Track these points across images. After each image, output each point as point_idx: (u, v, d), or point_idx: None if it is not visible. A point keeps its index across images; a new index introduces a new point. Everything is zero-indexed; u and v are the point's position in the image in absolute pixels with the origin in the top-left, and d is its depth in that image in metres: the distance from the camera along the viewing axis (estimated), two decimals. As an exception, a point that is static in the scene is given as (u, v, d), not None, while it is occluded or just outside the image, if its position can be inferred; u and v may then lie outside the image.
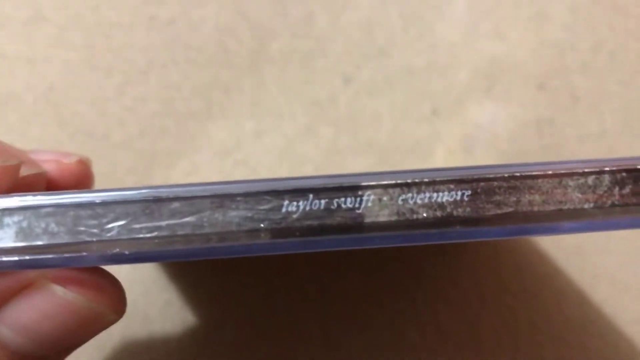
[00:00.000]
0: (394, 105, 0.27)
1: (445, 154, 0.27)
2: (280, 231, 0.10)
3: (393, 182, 0.10)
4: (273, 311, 0.25)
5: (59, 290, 0.11)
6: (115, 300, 0.12)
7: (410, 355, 0.25)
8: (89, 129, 0.26)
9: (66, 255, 0.10)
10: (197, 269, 0.25)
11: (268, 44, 0.27)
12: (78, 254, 0.10)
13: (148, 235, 0.10)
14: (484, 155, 0.27)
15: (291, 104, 0.27)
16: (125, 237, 0.10)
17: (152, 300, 0.25)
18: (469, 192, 0.10)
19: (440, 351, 0.25)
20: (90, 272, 0.12)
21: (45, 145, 0.26)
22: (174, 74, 0.27)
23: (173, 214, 0.10)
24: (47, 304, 0.11)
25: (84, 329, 0.12)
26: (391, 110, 0.27)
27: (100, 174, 0.26)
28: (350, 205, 0.10)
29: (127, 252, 0.10)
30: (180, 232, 0.10)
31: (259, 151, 0.26)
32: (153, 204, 0.10)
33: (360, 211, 0.10)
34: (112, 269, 0.25)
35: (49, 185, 0.15)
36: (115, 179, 0.26)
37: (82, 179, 0.16)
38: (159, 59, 0.27)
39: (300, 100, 0.27)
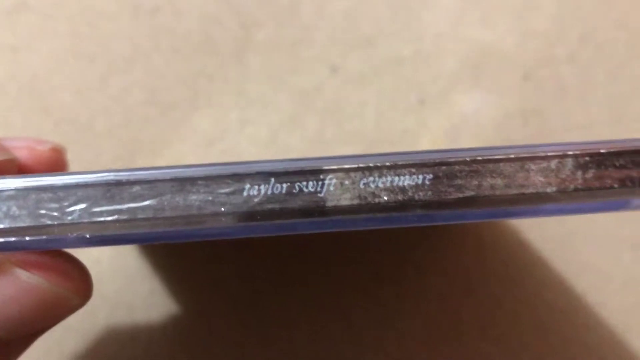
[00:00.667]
0: (380, 94, 0.27)
1: (431, 143, 0.27)
2: (242, 215, 0.10)
3: (355, 166, 0.10)
4: (257, 300, 0.25)
5: (22, 274, 0.11)
6: (80, 284, 0.12)
7: (394, 343, 0.25)
8: (73, 118, 0.26)
9: (28, 238, 0.10)
10: (180, 259, 0.25)
11: (253, 33, 0.27)
12: (39, 237, 0.11)
13: (109, 218, 0.10)
14: (469, 144, 0.27)
15: (276, 93, 0.27)
16: (86, 220, 0.10)
17: (137, 289, 0.25)
18: (431, 175, 0.10)
19: (424, 339, 0.25)
20: (54, 256, 0.12)
21: (29, 134, 0.26)
22: (158, 63, 0.27)
23: (134, 198, 0.10)
24: (11, 288, 0.11)
25: (49, 313, 0.12)
26: (377, 100, 0.27)
27: (85, 163, 0.26)
28: (312, 189, 0.10)
29: (88, 236, 0.10)
30: (141, 216, 0.10)
31: (244, 140, 0.26)
32: (114, 187, 0.10)
33: (322, 195, 0.10)
34: (96, 257, 0.25)
35: (22, 172, 0.15)
36: (100, 168, 0.26)
37: (55, 167, 0.16)
38: (143, 47, 0.27)
39: (286, 90, 0.27)
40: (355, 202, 0.10)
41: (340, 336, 0.25)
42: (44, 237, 0.11)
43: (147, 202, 0.10)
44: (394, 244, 0.26)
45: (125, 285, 0.25)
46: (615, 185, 0.11)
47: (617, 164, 0.11)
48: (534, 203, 0.11)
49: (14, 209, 0.10)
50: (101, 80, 0.26)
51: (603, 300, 0.26)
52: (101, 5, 0.27)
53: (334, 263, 0.26)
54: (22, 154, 0.15)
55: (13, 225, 0.10)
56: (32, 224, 0.10)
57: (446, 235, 0.26)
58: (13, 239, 0.10)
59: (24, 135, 0.18)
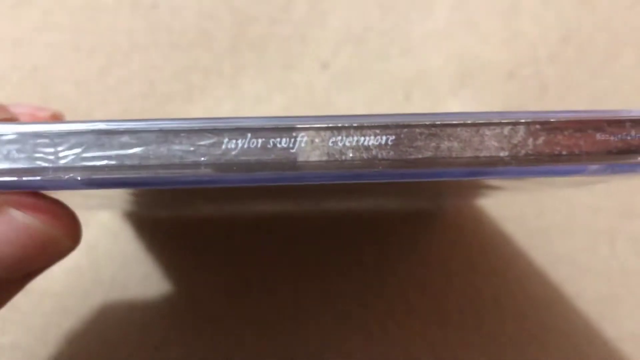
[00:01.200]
0: (368, 90, 0.28)
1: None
2: (220, 166, 0.12)
3: (325, 125, 0.12)
4: (246, 285, 0.26)
5: (18, 214, 0.12)
6: (70, 227, 0.13)
7: (378, 328, 0.26)
8: (72, 109, 0.27)
9: (25, 179, 0.12)
10: (174, 244, 0.26)
11: (248, 29, 0.28)
12: (35, 178, 0.12)
13: (99, 163, 0.12)
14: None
15: (269, 87, 0.27)
16: (78, 164, 0.12)
17: (131, 273, 0.26)
18: (393, 137, 0.12)
19: (407, 325, 0.26)
20: (47, 200, 0.13)
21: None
22: (155, 57, 0.27)
23: (122, 146, 0.12)
24: (7, 228, 0.12)
25: (42, 253, 0.13)
26: (365, 96, 0.27)
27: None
28: (285, 145, 0.12)
29: (79, 178, 0.12)
30: (127, 162, 0.12)
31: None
32: (105, 135, 0.12)
33: (294, 151, 0.12)
34: (92, 244, 0.25)
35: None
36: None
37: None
38: (141, 42, 0.27)
39: (278, 85, 0.27)
40: (324, 158, 0.12)
41: (326, 320, 0.26)
42: (39, 177, 0.12)
43: (134, 150, 0.12)
44: (379, 234, 0.27)
45: (120, 270, 0.26)
46: (564, 152, 0.12)
47: (566, 132, 0.12)
48: (488, 165, 0.12)
49: (14, 152, 0.12)
50: (100, 72, 0.27)
51: (579, 290, 0.26)
52: (101, 1, 0.28)
53: (321, 251, 0.26)
54: (24, 119, 0.16)
55: (12, 166, 0.12)
56: (29, 166, 0.12)
57: (428, 226, 0.27)
58: (11, 178, 0.12)
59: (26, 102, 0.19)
